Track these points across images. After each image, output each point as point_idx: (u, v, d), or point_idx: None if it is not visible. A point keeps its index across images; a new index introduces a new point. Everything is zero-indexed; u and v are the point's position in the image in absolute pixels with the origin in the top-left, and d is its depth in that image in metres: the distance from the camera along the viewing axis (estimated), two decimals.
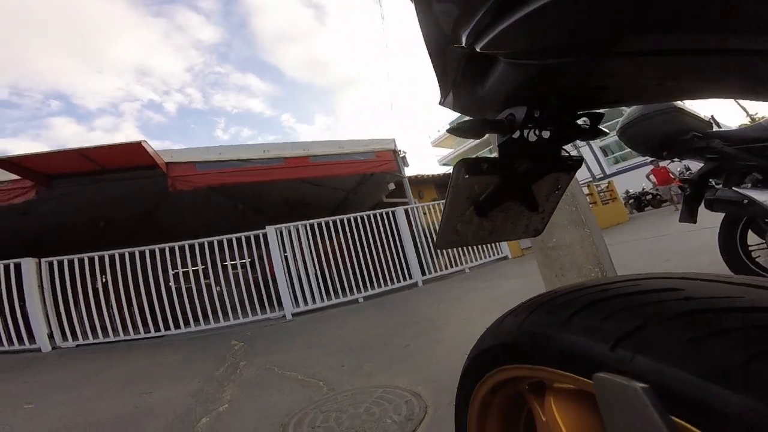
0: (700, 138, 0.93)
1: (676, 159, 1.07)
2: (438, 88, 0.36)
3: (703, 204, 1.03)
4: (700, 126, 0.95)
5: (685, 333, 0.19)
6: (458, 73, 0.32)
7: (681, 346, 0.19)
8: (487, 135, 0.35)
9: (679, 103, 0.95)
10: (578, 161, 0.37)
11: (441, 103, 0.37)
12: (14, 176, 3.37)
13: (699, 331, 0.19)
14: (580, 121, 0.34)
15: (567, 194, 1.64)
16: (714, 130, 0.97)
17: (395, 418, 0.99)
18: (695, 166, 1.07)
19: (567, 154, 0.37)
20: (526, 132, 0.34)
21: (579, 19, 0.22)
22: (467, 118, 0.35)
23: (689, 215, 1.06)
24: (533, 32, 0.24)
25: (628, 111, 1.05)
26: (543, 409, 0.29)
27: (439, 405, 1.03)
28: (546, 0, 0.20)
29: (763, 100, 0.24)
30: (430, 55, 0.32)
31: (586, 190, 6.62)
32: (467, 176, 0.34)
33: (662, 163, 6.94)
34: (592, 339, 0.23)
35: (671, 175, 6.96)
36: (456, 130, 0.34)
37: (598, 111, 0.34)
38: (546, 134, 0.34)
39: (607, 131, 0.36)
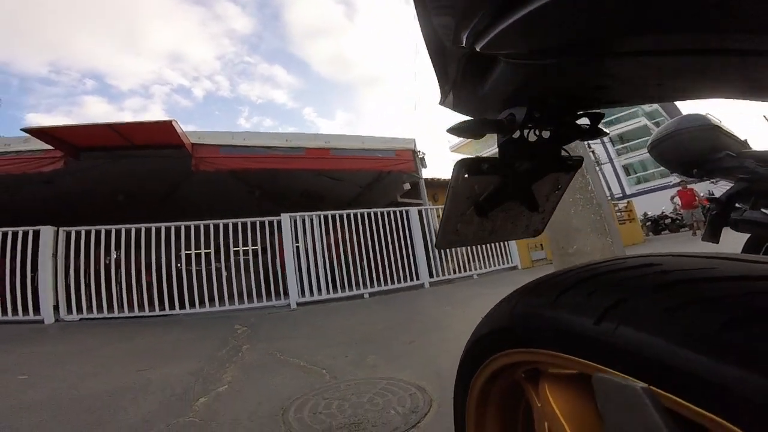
0: (734, 157, 0.91)
1: (705, 178, 1.04)
2: (438, 88, 0.37)
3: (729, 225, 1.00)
4: (734, 145, 0.93)
5: (663, 303, 0.20)
6: (458, 73, 0.32)
7: (660, 315, 0.20)
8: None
9: (715, 120, 0.93)
10: (578, 161, 0.37)
11: (441, 103, 0.37)
12: (46, 146, 3.53)
13: (676, 301, 0.20)
14: (580, 121, 0.34)
15: (592, 203, 1.60)
16: (748, 150, 0.93)
17: (399, 410, 1.00)
18: (719, 193, 1.05)
19: (567, 154, 0.36)
20: (526, 132, 0.34)
21: (579, 19, 0.22)
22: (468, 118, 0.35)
23: (712, 235, 1.03)
24: (533, 32, 0.24)
25: (661, 126, 1.04)
26: (538, 396, 0.30)
27: (443, 401, 1.04)
28: (546, 0, 0.21)
29: (763, 100, 0.24)
30: (430, 55, 0.33)
31: None
32: (467, 176, 0.35)
33: (689, 185, 6.68)
34: (578, 315, 0.24)
35: (696, 198, 6.71)
36: (456, 130, 0.35)
37: (598, 111, 0.33)
38: (546, 134, 0.34)
39: (608, 132, 0.36)
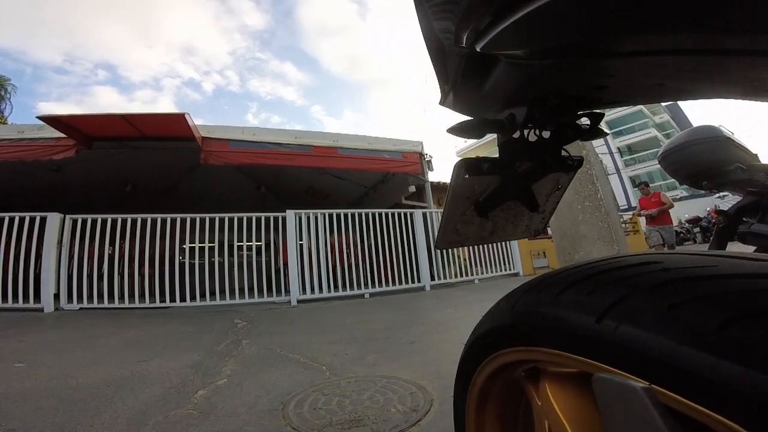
0: (744, 170, 0.90)
1: (714, 191, 1.03)
2: (438, 88, 0.37)
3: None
4: (745, 158, 0.92)
5: (664, 301, 0.20)
6: (458, 73, 0.32)
7: (660, 313, 0.19)
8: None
9: (727, 132, 0.92)
10: (579, 161, 0.37)
11: (441, 103, 0.37)
12: (59, 134, 3.52)
13: (677, 299, 0.20)
14: (580, 121, 0.34)
15: (600, 210, 1.58)
16: (759, 163, 0.92)
17: (399, 408, 1.00)
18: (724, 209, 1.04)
19: (567, 154, 0.36)
20: (526, 132, 0.34)
21: (579, 19, 0.22)
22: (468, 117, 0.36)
23: (718, 248, 1.03)
24: (533, 32, 0.24)
25: (672, 137, 1.04)
26: (538, 394, 0.30)
27: (444, 400, 1.04)
28: (545, 0, 0.21)
29: (763, 100, 0.23)
30: (430, 55, 0.33)
31: None
32: (467, 176, 0.35)
33: (653, 189, 4.48)
34: (579, 313, 0.24)
35: (666, 205, 4.21)
36: (456, 130, 0.35)
37: (598, 111, 0.33)
38: (546, 134, 0.34)
39: (608, 132, 0.36)
